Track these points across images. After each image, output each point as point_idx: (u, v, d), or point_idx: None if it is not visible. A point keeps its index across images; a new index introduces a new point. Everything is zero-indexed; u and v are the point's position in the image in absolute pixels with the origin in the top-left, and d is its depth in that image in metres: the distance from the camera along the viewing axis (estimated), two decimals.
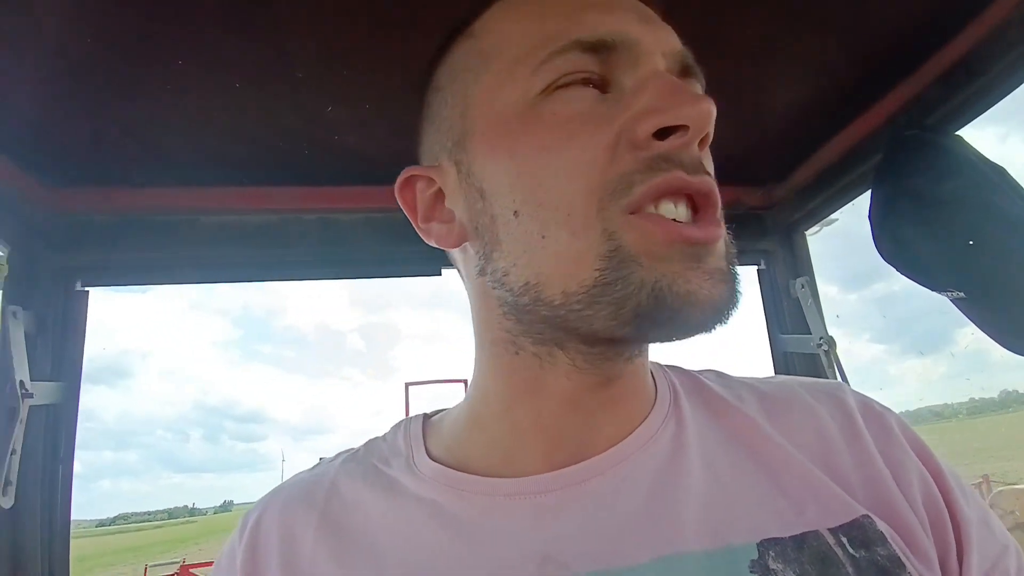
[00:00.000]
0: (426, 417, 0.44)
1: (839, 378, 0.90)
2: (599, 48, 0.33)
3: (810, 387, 0.42)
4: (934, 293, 0.69)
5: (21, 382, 0.67)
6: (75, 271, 0.80)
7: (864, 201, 0.79)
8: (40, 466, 0.71)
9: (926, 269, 0.68)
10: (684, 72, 0.36)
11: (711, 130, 0.32)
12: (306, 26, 0.56)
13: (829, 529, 0.32)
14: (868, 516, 0.33)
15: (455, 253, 0.41)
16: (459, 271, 0.43)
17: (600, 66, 0.33)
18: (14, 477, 0.65)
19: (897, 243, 0.71)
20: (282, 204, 0.83)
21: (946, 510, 0.35)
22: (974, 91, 0.65)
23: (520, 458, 0.37)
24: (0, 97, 0.61)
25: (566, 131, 0.32)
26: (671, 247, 0.30)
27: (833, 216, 1.01)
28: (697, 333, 0.32)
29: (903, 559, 0.31)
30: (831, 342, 0.91)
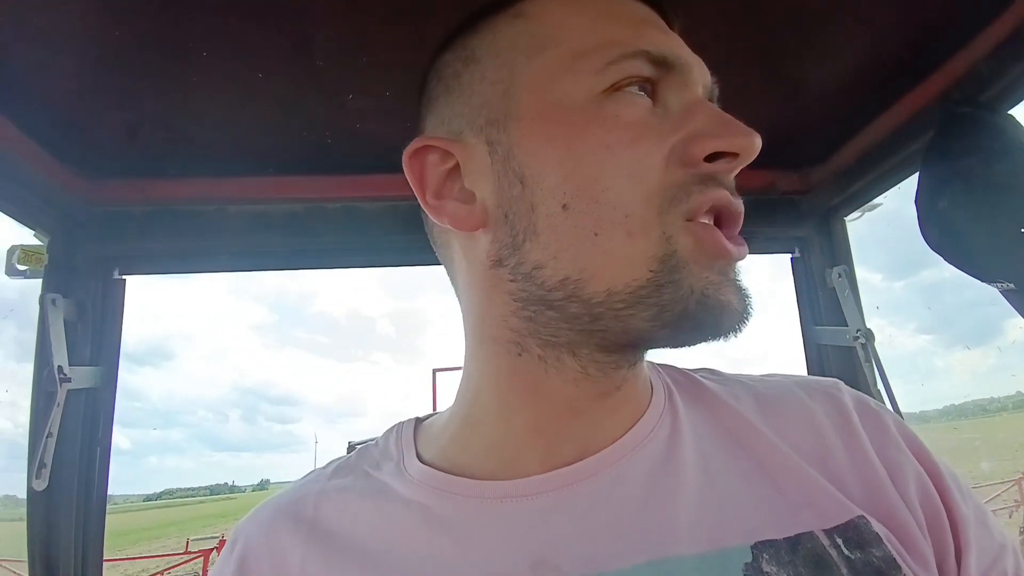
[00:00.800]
0: (419, 420, 0.44)
1: (877, 373, 0.86)
2: (660, 63, 0.35)
3: (806, 385, 0.42)
4: (983, 283, 0.65)
5: (59, 367, 0.70)
6: (113, 260, 0.83)
7: (911, 184, 0.75)
8: (78, 448, 0.74)
9: (975, 257, 0.64)
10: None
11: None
12: (325, 15, 0.55)
13: (824, 530, 0.32)
14: (863, 517, 0.33)
15: (452, 238, 0.40)
16: (451, 258, 0.41)
17: (656, 79, 0.35)
18: (49, 460, 0.68)
19: (944, 229, 0.66)
20: (307, 193, 0.83)
21: (943, 509, 0.35)
22: None
23: (515, 461, 0.36)
24: (39, 93, 0.63)
25: (627, 136, 0.33)
26: (716, 259, 0.33)
27: (876, 201, 0.96)
28: (725, 338, 0.33)
29: (898, 560, 0.31)
30: (869, 335, 0.87)
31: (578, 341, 0.35)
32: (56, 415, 0.70)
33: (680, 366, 0.44)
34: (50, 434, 0.68)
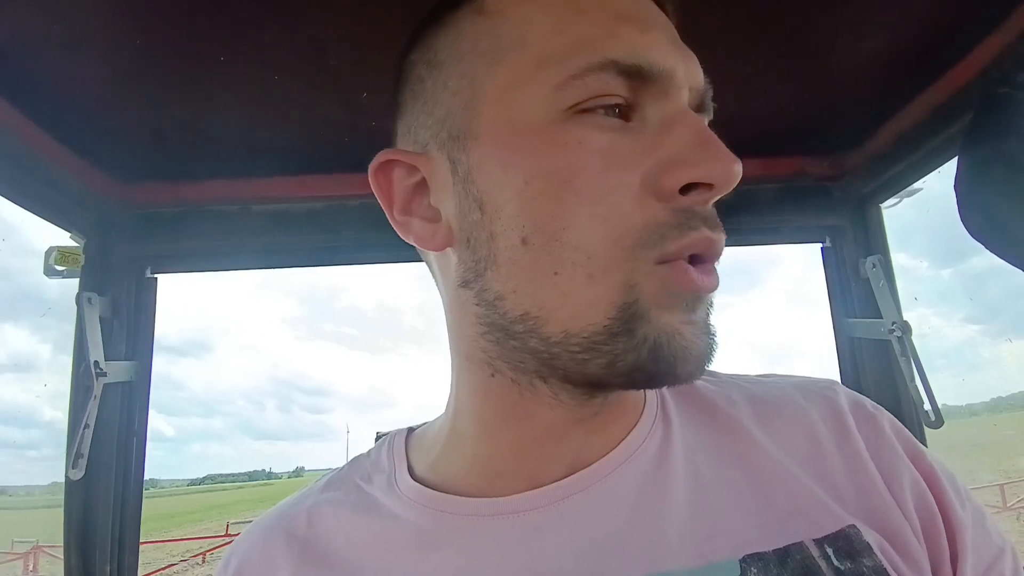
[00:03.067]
0: (410, 431, 0.43)
1: (914, 367, 0.82)
2: (633, 74, 0.30)
3: (803, 387, 0.40)
4: None
5: (96, 362, 0.73)
6: (145, 259, 0.86)
7: (952, 168, 0.71)
8: (115, 438, 0.77)
9: (1018, 245, 0.60)
10: (700, 107, 0.34)
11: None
12: (337, 15, 0.55)
13: (814, 540, 0.32)
14: (855, 526, 0.32)
15: (430, 253, 0.38)
16: (432, 271, 0.40)
17: (629, 92, 0.31)
18: (86, 450, 0.72)
19: (986, 216, 0.62)
20: (328, 191, 0.85)
21: (939, 514, 0.34)
22: None
23: (502, 478, 0.36)
24: (70, 100, 0.65)
25: (591, 167, 0.30)
26: (680, 296, 0.30)
27: (916, 185, 0.91)
28: (682, 384, 0.32)
29: (889, 570, 0.31)
30: (906, 328, 0.83)
31: (544, 372, 0.33)
32: (93, 408, 0.73)
33: None
34: (87, 425, 0.72)
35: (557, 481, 0.35)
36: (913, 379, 0.83)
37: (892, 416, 0.39)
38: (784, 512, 0.33)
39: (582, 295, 0.30)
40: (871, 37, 0.65)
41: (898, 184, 0.88)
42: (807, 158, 0.91)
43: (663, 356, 0.29)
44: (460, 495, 0.36)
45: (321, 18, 0.56)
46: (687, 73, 0.32)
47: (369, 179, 0.37)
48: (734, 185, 0.31)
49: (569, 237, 0.30)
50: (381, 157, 0.36)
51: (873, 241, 0.92)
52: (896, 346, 0.84)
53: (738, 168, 0.30)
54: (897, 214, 0.97)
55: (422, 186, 0.36)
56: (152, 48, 0.57)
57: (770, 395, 0.40)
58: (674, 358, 0.30)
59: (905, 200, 0.95)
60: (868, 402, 0.40)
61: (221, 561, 0.39)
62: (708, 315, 0.32)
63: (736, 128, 0.82)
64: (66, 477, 0.71)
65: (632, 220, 0.30)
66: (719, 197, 0.31)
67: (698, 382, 0.41)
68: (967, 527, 0.34)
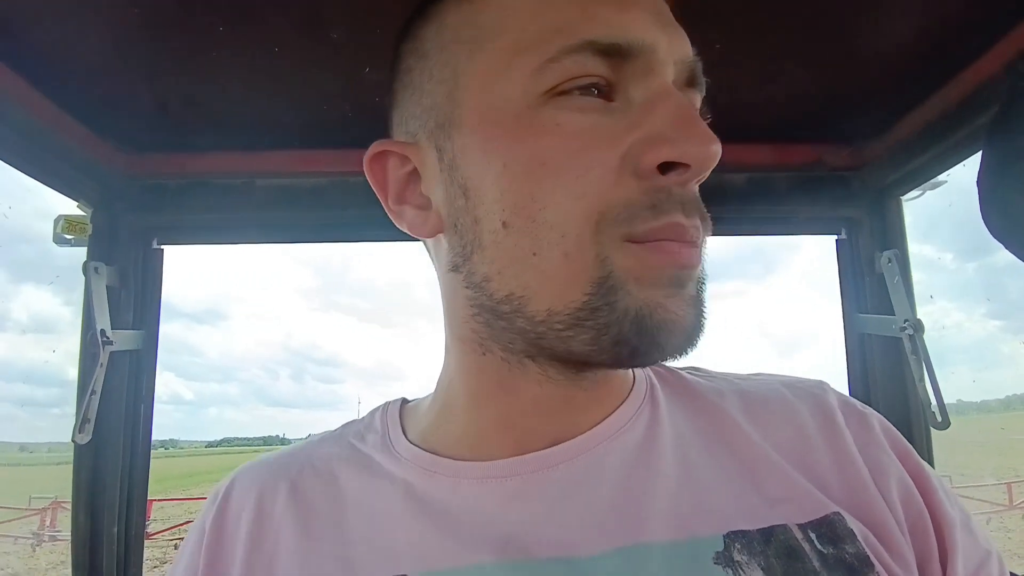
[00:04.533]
0: (405, 401, 0.44)
1: (924, 366, 0.80)
2: (612, 53, 0.30)
3: (792, 386, 0.41)
4: None
5: (102, 331, 0.74)
6: (151, 230, 0.86)
7: (977, 160, 0.67)
8: (123, 404, 0.79)
9: None
10: (690, 81, 0.34)
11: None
12: None
13: (798, 524, 0.32)
14: (839, 514, 0.32)
15: (426, 240, 0.40)
16: (429, 255, 0.41)
17: (610, 71, 0.31)
18: (92, 415, 0.74)
19: (1008, 215, 0.60)
20: (331, 167, 0.84)
21: (927, 512, 0.34)
22: None
23: (487, 447, 0.36)
24: (73, 70, 0.65)
25: (569, 148, 0.30)
26: (662, 271, 0.30)
27: (940, 178, 0.87)
28: (670, 359, 0.32)
29: (872, 558, 0.31)
30: (918, 326, 0.81)
31: (532, 351, 0.34)
32: (100, 375, 0.75)
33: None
34: (94, 392, 0.74)
35: (543, 450, 0.35)
36: (922, 379, 0.81)
37: (882, 417, 0.40)
38: (770, 497, 0.34)
39: (560, 273, 0.31)
40: (897, 24, 0.62)
41: (920, 176, 0.84)
42: (825, 146, 0.88)
43: (646, 328, 0.30)
44: (452, 457, 0.37)
45: None
46: (670, 47, 0.32)
47: (364, 169, 0.38)
48: (711, 166, 0.30)
49: (546, 217, 0.30)
50: (374, 148, 0.38)
51: (891, 235, 0.89)
52: (907, 344, 0.82)
53: (716, 149, 0.30)
54: (923, 204, 0.93)
55: (414, 175, 0.37)
56: (150, 18, 0.56)
57: (759, 390, 0.41)
58: (658, 330, 0.30)
59: (931, 191, 0.92)
60: (857, 403, 0.40)
61: (212, 491, 0.40)
62: (699, 292, 0.32)
63: (752, 113, 0.81)
64: (73, 441, 0.74)
65: (605, 197, 0.30)
66: (698, 179, 0.31)
67: (687, 376, 0.42)
68: (956, 527, 0.34)
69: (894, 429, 0.39)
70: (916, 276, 0.87)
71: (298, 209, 0.85)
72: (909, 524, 0.34)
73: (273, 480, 0.38)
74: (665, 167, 0.30)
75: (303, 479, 0.38)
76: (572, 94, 0.31)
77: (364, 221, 0.88)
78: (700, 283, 0.32)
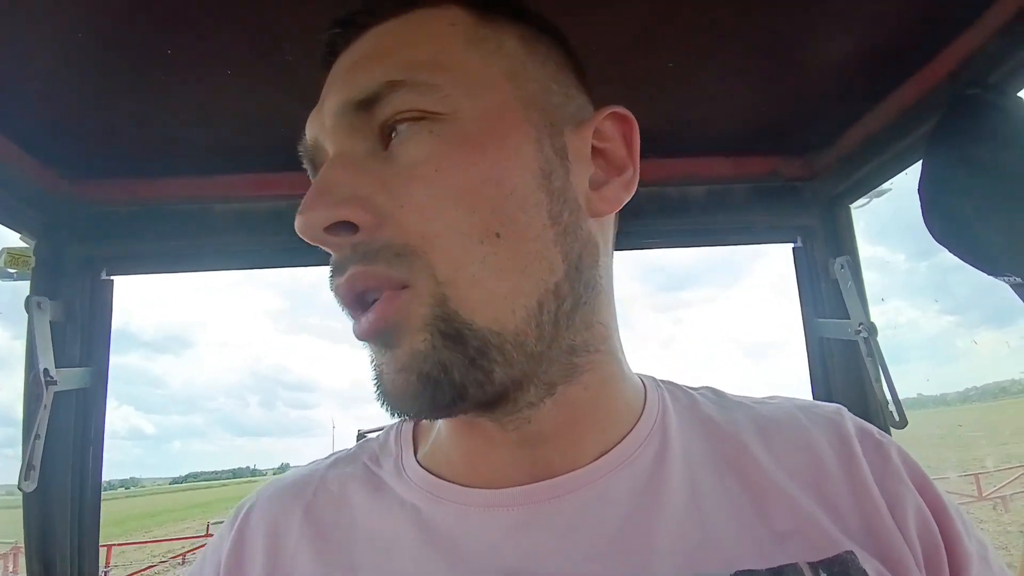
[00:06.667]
0: None
1: (879, 367, 0.83)
2: (314, 147, 0.38)
3: (808, 410, 0.40)
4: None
5: (45, 370, 0.70)
6: (100, 261, 0.82)
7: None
8: (70, 448, 0.74)
9: (982, 250, 0.61)
10: (362, 105, 0.34)
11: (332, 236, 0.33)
12: (292, 8, 0.53)
13: (809, 563, 0.31)
14: (852, 552, 0.32)
15: None
16: None
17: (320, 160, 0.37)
18: (37, 462, 0.69)
19: (950, 220, 0.63)
20: (289, 190, 0.82)
21: (943, 544, 0.34)
22: None
23: (497, 471, 0.36)
24: (14, 95, 0.62)
25: None
26: (364, 339, 0.33)
27: (884, 186, 0.92)
28: (421, 417, 0.35)
29: None
30: (872, 328, 0.84)
31: None
32: (44, 417, 0.70)
33: (683, 383, 0.43)
34: (37, 436, 0.69)
35: (553, 476, 0.35)
36: (879, 379, 0.84)
37: (900, 447, 0.39)
38: (781, 531, 0.33)
39: None
40: (841, 37, 0.65)
41: (866, 185, 0.88)
42: (780, 158, 0.91)
43: (381, 394, 0.33)
44: (460, 482, 0.36)
45: (274, 10, 0.53)
46: (321, 128, 0.37)
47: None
48: (308, 235, 0.34)
49: None
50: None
51: (842, 242, 0.93)
52: (863, 346, 0.85)
53: (304, 219, 0.33)
54: (875, 208, 0.97)
55: None
56: (96, 40, 0.55)
57: (773, 415, 0.40)
58: (384, 397, 0.32)
59: (877, 198, 0.96)
60: (875, 430, 0.40)
61: (232, 510, 0.41)
62: (427, 347, 0.30)
63: (709, 126, 0.83)
64: (20, 488, 0.69)
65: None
66: (317, 243, 0.34)
67: (700, 399, 0.42)
68: (973, 559, 0.34)
69: (912, 458, 0.38)
70: (871, 277, 0.91)
71: (257, 234, 0.83)
72: (925, 558, 0.33)
73: (289, 505, 0.39)
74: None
75: (317, 503, 0.38)
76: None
77: None
78: (424, 340, 0.31)
